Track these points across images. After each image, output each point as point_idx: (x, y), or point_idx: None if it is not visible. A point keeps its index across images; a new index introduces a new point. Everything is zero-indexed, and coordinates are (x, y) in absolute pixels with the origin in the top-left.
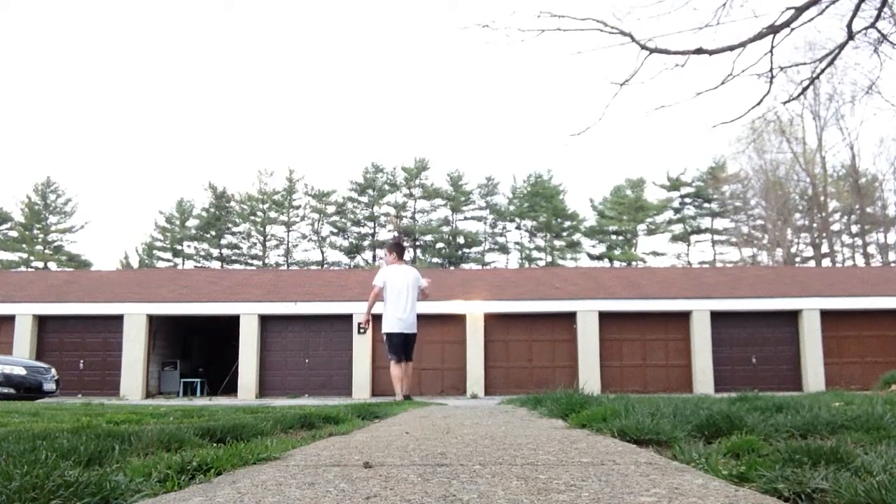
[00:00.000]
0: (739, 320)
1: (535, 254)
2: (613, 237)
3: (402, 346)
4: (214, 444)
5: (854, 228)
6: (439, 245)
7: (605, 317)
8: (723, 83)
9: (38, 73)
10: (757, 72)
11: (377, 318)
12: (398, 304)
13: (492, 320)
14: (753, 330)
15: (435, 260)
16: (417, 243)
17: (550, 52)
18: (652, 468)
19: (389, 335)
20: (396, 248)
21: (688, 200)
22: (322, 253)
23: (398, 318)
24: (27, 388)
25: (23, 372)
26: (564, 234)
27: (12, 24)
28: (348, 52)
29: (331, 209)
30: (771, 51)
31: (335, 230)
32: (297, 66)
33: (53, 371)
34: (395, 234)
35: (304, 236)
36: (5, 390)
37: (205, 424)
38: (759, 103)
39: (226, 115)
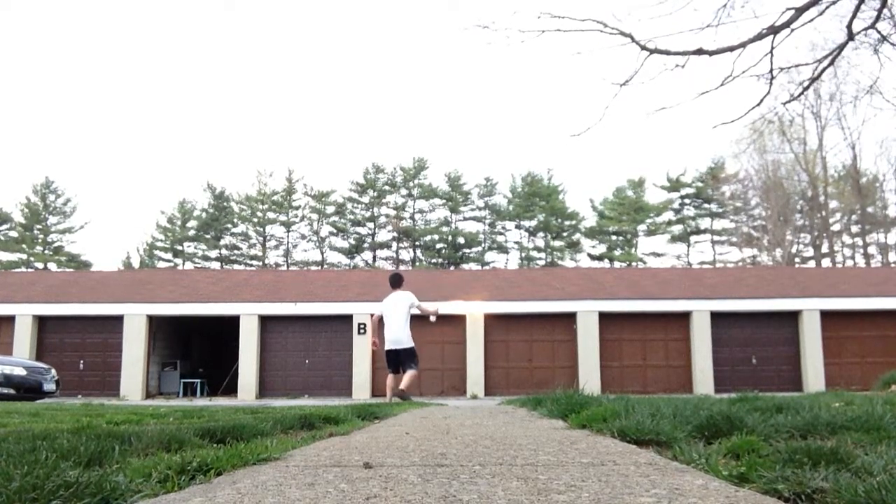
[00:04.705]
0: (739, 320)
1: (534, 254)
2: (613, 237)
3: (392, 360)
4: (214, 445)
5: (854, 228)
6: (439, 245)
7: (605, 317)
8: (723, 84)
9: (38, 73)
10: (757, 72)
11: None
12: (387, 326)
13: (492, 320)
14: (753, 330)
15: (434, 260)
16: (417, 243)
17: (550, 52)
18: (652, 469)
19: (385, 351)
20: (390, 280)
21: (688, 201)
22: (322, 253)
23: (387, 338)
24: (27, 389)
25: (23, 372)
26: (564, 234)
27: (12, 24)
28: (348, 52)
29: (330, 209)
30: (771, 51)
31: (335, 230)
32: (297, 66)
33: (53, 371)
34: (395, 234)
35: (303, 237)
36: (5, 390)
37: (205, 425)
38: (759, 104)
39: (226, 115)
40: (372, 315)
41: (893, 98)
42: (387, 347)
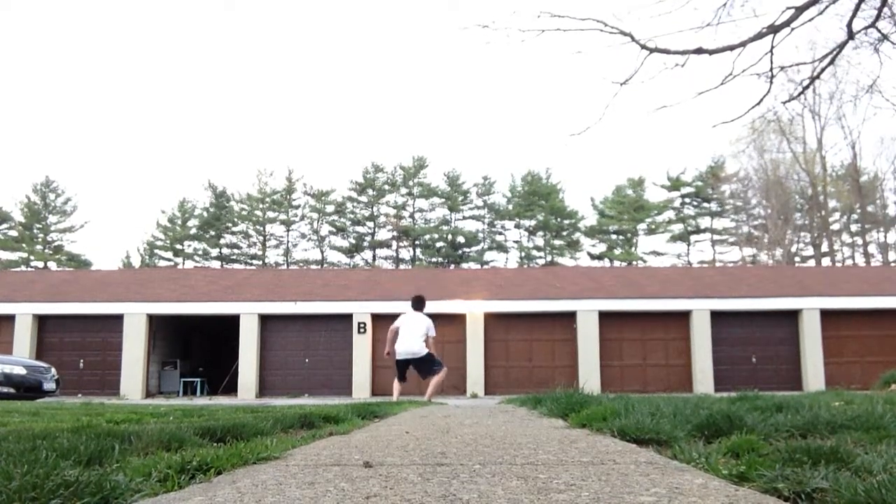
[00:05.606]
0: (739, 320)
1: (534, 253)
2: (613, 236)
3: (402, 368)
4: (214, 444)
5: (854, 228)
6: (438, 244)
7: (605, 317)
8: (723, 83)
9: (38, 73)
10: (757, 71)
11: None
12: (402, 339)
13: (492, 320)
14: (753, 330)
15: (434, 259)
16: (416, 242)
17: (550, 52)
18: (652, 468)
19: (395, 360)
20: (414, 301)
21: (688, 200)
22: (322, 253)
23: (400, 350)
24: (27, 388)
25: (23, 371)
26: (564, 233)
27: (12, 24)
28: (348, 51)
29: (330, 208)
30: (771, 50)
31: (334, 230)
32: (297, 66)
33: (53, 371)
34: (394, 233)
35: (303, 236)
36: (5, 390)
37: (205, 424)
38: (759, 103)
39: (226, 115)
40: (389, 330)
41: (893, 97)
42: (398, 357)
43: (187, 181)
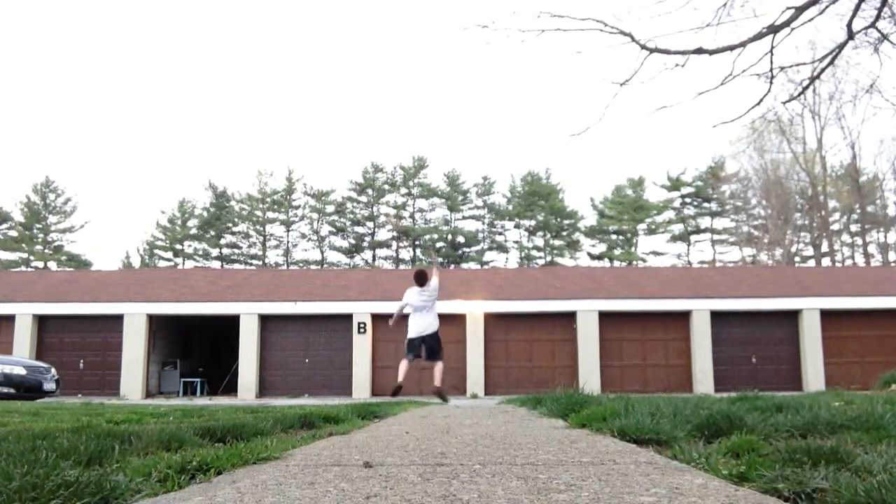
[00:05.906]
0: (739, 320)
1: (533, 253)
2: (613, 237)
3: (415, 346)
4: (214, 444)
5: (854, 228)
6: (439, 244)
7: (605, 317)
8: (723, 83)
9: (38, 73)
10: (757, 72)
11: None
12: (416, 317)
13: (492, 320)
14: (753, 330)
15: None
16: (417, 243)
17: (550, 52)
18: (652, 468)
19: (408, 339)
20: (416, 277)
21: (688, 200)
22: (322, 253)
23: (414, 326)
24: (27, 388)
25: (23, 372)
26: (564, 233)
27: (12, 24)
28: (348, 51)
29: (330, 209)
30: (771, 51)
31: (334, 230)
32: (297, 66)
33: (53, 371)
34: (394, 233)
35: (303, 236)
36: (5, 390)
37: (205, 424)
38: (759, 103)
39: (226, 115)
40: (394, 313)
41: (893, 97)
42: (411, 336)
43: (187, 181)
